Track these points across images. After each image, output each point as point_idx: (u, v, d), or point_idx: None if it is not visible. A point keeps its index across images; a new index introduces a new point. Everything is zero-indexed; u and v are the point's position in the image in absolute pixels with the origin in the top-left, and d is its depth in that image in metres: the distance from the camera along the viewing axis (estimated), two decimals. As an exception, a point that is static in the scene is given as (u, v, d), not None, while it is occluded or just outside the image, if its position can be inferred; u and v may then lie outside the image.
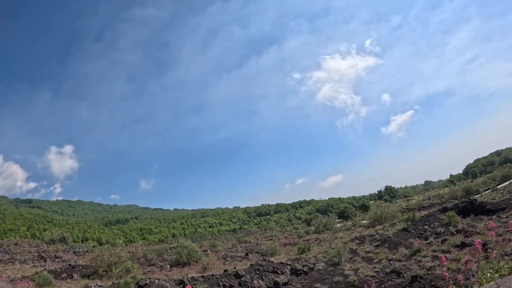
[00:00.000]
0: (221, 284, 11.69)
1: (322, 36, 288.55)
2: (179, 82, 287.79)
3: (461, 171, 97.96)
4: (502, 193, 34.37)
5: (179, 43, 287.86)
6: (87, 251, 34.14)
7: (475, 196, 36.56)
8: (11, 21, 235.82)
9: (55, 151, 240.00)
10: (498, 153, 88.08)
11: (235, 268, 14.00)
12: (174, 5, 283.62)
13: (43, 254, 25.88)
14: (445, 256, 15.36)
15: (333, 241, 23.60)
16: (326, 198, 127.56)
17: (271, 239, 43.39)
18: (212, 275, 12.60)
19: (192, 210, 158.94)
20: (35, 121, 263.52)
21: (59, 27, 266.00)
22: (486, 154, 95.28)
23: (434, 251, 16.19)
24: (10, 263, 21.13)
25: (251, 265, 14.14)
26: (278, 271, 13.03)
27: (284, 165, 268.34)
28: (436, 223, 21.62)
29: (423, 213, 27.08)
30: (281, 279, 12.45)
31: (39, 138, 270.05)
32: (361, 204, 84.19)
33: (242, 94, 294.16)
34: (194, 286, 11.45)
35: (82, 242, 73.26)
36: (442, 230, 20.40)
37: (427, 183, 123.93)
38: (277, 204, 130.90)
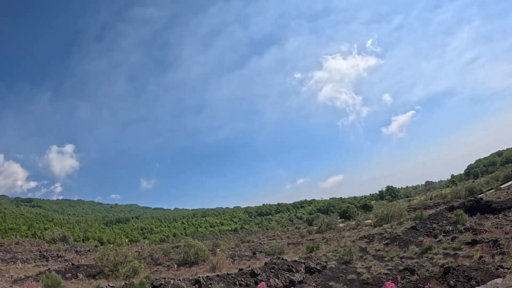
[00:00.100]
0: (237, 283, 11.64)
1: (323, 36, 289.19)
2: (179, 82, 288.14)
3: (462, 172, 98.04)
4: (507, 192, 34.44)
5: (180, 43, 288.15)
6: (88, 251, 34.02)
7: (480, 196, 36.58)
8: (11, 21, 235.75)
9: (55, 151, 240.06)
10: (499, 153, 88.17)
11: (249, 267, 13.97)
12: (175, 5, 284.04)
13: (45, 253, 25.74)
14: (457, 254, 15.48)
15: (341, 240, 23.61)
16: (327, 198, 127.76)
17: (274, 239, 43.38)
18: (228, 274, 12.56)
19: (193, 209, 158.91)
20: (36, 120, 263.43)
21: (59, 26, 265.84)
22: (486, 155, 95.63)
23: (445, 248, 16.21)
24: (12, 263, 20.97)
25: (266, 263, 14.09)
26: (293, 269, 13.00)
27: (285, 165, 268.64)
28: (444, 222, 21.64)
29: (429, 212, 27.11)
30: (296, 277, 12.41)
31: (40, 138, 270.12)
32: (363, 204, 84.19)
33: (243, 94, 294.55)
34: (210, 285, 11.37)
35: (83, 242, 73.17)
36: (450, 228, 20.43)
37: (428, 183, 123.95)
38: (278, 204, 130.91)
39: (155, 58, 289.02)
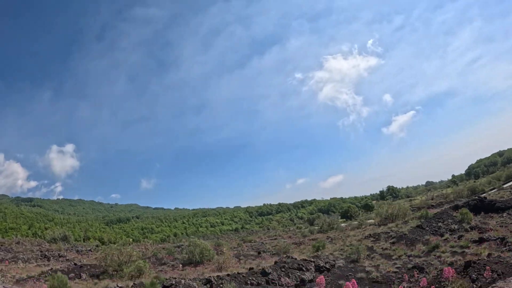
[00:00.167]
0: (248, 282, 11.61)
1: (324, 36, 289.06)
2: (180, 81, 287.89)
3: (462, 172, 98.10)
4: (510, 191, 34.50)
5: (181, 42, 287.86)
6: (90, 250, 33.96)
7: (483, 195, 36.64)
8: (12, 20, 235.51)
9: (56, 150, 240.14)
10: (500, 153, 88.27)
11: (258, 266, 13.97)
12: (176, 4, 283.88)
13: (46, 253, 25.69)
14: (464, 252, 15.51)
15: (346, 239, 23.64)
16: (328, 198, 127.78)
17: (275, 239, 43.43)
18: (238, 273, 12.53)
19: (193, 209, 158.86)
20: (36, 120, 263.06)
21: (60, 26, 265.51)
22: (487, 155, 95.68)
23: (452, 246, 16.26)
24: (13, 262, 20.92)
25: (276, 262, 14.09)
26: (303, 268, 13.01)
27: (285, 165, 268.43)
28: (449, 220, 21.68)
29: (433, 211, 27.16)
30: (307, 276, 12.42)
31: (40, 137, 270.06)
32: (364, 204, 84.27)
33: (244, 94, 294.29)
34: (221, 285, 11.34)
35: (84, 241, 73.11)
36: (456, 227, 20.47)
37: (429, 183, 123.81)
38: (279, 204, 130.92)
39: (155, 58, 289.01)
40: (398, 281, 12.95)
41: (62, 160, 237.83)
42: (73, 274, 17.11)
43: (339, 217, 74.35)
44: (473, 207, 26.64)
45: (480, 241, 16.25)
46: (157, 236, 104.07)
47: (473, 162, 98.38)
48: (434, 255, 15.60)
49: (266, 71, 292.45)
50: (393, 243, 18.76)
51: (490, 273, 7.01)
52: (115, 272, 17.78)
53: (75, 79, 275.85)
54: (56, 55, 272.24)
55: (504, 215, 23.96)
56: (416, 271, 13.89)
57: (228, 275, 12.40)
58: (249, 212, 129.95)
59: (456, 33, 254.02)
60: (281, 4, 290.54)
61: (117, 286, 14.05)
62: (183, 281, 11.63)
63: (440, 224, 21.32)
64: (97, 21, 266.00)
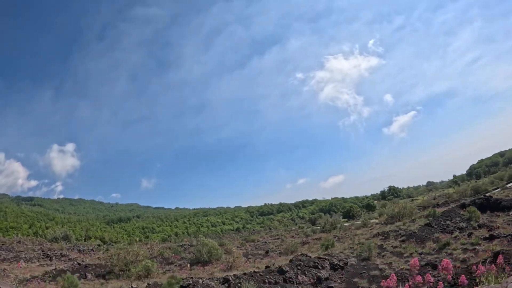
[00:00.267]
0: (266, 281, 11.61)
1: (325, 36, 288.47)
2: (181, 81, 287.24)
3: (463, 172, 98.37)
4: (514, 191, 34.58)
5: (182, 42, 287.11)
6: (92, 250, 33.91)
7: (487, 194, 36.74)
8: (12, 20, 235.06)
9: (56, 149, 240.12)
10: (501, 154, 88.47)
11: (274, 264, 14.01)
12: (177, 4, 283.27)
13: (48, 252, 25.56)
14: (475, 248, 15.59)
15: (354, 238, 23.71)
16: (329, 198, 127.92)
17: (278, 238, 43.47)
18: (255, 272, 12.53)
19: (194, 209, 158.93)
20: (37, 119, 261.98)
21: (61, 26, 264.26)
22: (488, 155, 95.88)
23: (463, 244, 16.31)
24: (15, 262, 20.65)
25: (291, 260, 14.10)
26: (319, 266, 13.04)
27: (286, 165, 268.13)
28: (457, 219, 21.77)
29: (439, 210, 27.25)
30: (323, 274, 12.44)
31: (41, 136, 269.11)
32: (366, 204, 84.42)
33: (244, 94, 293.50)
34: (239, 284, 11.34)
35: (85, 241, 73.09)
36: (464, 225, 20.55)
37: (429, 183, 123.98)
38: (280, 204, 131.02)
39: (156, 57, 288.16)
40: (411, 278, 13.01)
41: (63, 160, 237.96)
42: (78, 274, 16.76)
43: (341, 216, 74.49)
44: (479, 206, 26.72)
45: (491, 238, 16.32)
46: (158, 235, 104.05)
47: (474, 162, 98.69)
48: (446, 252, 15.65)
49: (267, 71, 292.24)
50: (402, 241, 18.82)
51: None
52: (122, 272, 17.41)
53: (76, 79, 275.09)
54: (57, 54, 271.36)
55: (510, 214, 24.05)
56: (429, 268, 13.98)
57: (244, 274, 12.38)
58: (250, 212, 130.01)
59: (457, 33, 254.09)
60: (281, 4, 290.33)
61: (132, 286, 13.80)
62: (200, 280, 11.60)
63: (448, 222, 21.40)
64: (97, 20, 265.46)
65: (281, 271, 12.47)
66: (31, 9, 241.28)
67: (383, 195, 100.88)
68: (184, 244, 35.55)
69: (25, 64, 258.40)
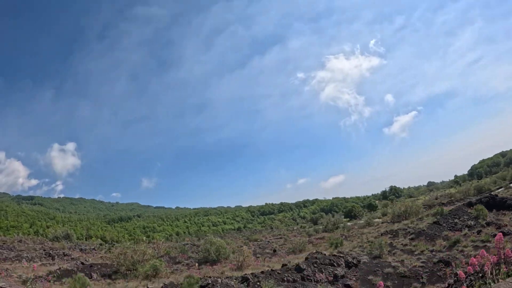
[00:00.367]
0: (285, 279, 11.64)
1: (326, 36, 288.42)
2: (181, 81, 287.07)
3: (463, 172, 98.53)
4: (519, 190, 34.67)
5: (182, 42, 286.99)
6: (94, 249, 33.79)
7: (493, 193, 36.80)
8: (12, 20, 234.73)
9: (57, 149, 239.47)
10: (503, 154, 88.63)
11: (289, 262, 14.04)
12: (178, 4, 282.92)
13: (50, 251, 25.28)
14: (486, 245, 15.63)
15: (361, 236, 23.74)
16: (331, 198, 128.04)
17: (280, 238, 43.53)
18: (273, 270, 12.55)
19: (194, 208, 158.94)
20: (37, 118, 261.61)
21: (61, 25, 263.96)
22: (489, 155, 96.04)
23: (473, 241, 16.39)
24: (17, 261, 20.37)
25: (306, 258, 14.13)
26: (334, 263, 13.09)
27: (286, 165, 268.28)
28: (465, 217, 21.82)
29: (446, 209, 27.29)
30: (339, 271, 12.49)
31: (41, 136, 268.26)
32: (368, 204, 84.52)
33: (245, 93, 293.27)
34: (258, 283, 11.34)
35: (86, 240, 73.04)
36: (472, 223, 20.61)
37: (430, 183, 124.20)
38: (281, 203, 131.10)
39: (157, 57, 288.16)
40: (426, 275, 13.07)
41: (63, 159, 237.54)
42: (83, 274, 16.21)
43: (343, 216, 74.56)
44: (485, 204, 26.77)
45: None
46: (159, 235, 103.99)
47: (474, 162, 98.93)
48: (457, 250, 15.73)
49: (267, 71, 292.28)
50: (412, 239, 18.86)
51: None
52: (129, 272, 17.12)
53: (76, 79, 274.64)
54: (57, 54, 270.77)
55: (516, 212, 24.15)
56: (442, 265, 14.04)
57: (262, 272, 12.40)
58: (251, 212, 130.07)
59: (457, 34, 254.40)
60: (282, 4, 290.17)
61: (147, 287, 13.57)
62: (219, 280, 11.58)
63: (456, 220, 21.46)
64: (98, 20, 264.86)
65: (298, 269, 12.51)
66: (31, 9, 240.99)
67: (384, 195, 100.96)
68: (186, 244, 35.52)
69: (25, 63, 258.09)
